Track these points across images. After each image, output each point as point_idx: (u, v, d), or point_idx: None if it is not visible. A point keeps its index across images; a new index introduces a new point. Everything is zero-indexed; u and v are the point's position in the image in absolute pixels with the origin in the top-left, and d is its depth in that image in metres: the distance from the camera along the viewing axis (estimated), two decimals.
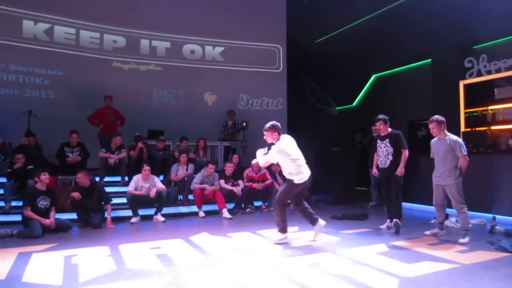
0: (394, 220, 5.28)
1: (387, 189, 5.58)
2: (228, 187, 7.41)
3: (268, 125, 4.84)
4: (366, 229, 5.67)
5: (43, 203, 5.54)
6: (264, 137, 4.89)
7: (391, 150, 5.42)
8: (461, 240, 4.67)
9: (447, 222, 5.56)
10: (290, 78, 12.14)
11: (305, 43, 12.67)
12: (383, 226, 5.64)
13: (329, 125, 11.01)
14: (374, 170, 5.84)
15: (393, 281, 3.28)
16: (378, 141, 5.64)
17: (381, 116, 5.54)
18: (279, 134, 4.84)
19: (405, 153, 5.34)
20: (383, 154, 5.52)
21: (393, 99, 9.99)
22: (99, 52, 10.26)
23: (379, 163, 5.63)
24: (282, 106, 11.97)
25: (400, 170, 5.29)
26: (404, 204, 6.13)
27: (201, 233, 5.42)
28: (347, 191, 8.65)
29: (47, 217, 5.52)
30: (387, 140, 5.47)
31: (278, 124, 4.87)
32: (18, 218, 5.81)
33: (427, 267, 3.69)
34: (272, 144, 4.86)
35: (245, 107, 11.63)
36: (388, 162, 5.44)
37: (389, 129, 5.53)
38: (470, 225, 5.33)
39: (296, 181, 4.75)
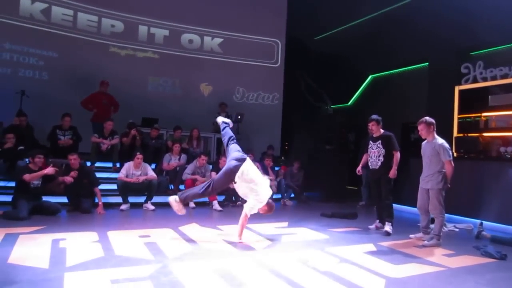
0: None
1: (377, 189, 5.61)
2: None
3: None
4: (355, 228, 5.71)
5: (34, 182, 5.52)
6: None
7: (382, 151, 5.44)
8: (426, 242, 4.75)
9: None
10: (287, 73, 12.11)
11: (304, 39, 12.63)
12: (372, 226, 5.69)
13: (324, 123, 11.04)
14: (358, 169, 5.89)
15: (380, 281, 3.32)
16: (370, 142, 5.66)
17: (373, 117, 5.55)
18: None
19: (397, 155, 5.36)
20: (374, 155, 5.54)
21: (388, 100, 10.03)
22: (96, 36, 10.10)
23: (370, 164, 5.64)
24: (277, 101, 11.93)
25: (393, 173, 5.33)
26: (394, 206, 6.18)
27: (190, 224, 5.42)
28: (338, 189, 8.71)
29: (37, 197, 5.52)
30: (379, 141, 5.49)
31: None
32: (5, 198, 5.75)
33: (414, 269, 3.73)
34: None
35: (241, 100, 11.58)
36: (379, 163, 5.46)
37: (382, 130, 5.54)
38: (451, 229, 5.40)
39: None
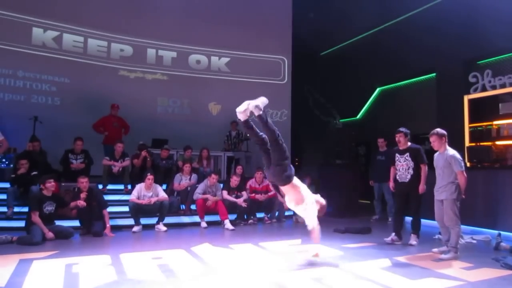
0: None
1: (401, 202, 5.58)
2: (231, 198, 7.36)
3: None
4: (369, 243, 5.60)
5: (48, 208, 5.58)
6: None
7: (411, 164, 5.41)
8: (443, 256, 4.63)
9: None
10: (294, 89, 12.18)
11: (310, 55, 12.73)
12: (388, 239, 5.57)
13: (333, 137, 11.01)
14: (392, 184, 5.83)
15: None
16: (397, 154, 5.63)
17: (402, 129, 5.56)
18: None
19: (425, 168, 5.35)
20: (403, 168, 5.51)
21: (397, 112, 9.99)
22: (106, 61, 10.35)
23: (398, 177, 5.60)
24: (286, 117, 11.98)
25: (422, 188, 5.31)
26: (407, 219, 6.09)
27: (203, 244, 5.38)
28: (350, 204, 8.58)
29: (50, 222, 5.55)
30: (407, 154, 5.47)
31: None
32: (19, 224, 5.80)
33: (432, 284, 3.63)
34: None
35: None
36: (409, 176, 5.43)
37: (409, 143, 5.54)
38: (467, 241, 5.26)
39: None
